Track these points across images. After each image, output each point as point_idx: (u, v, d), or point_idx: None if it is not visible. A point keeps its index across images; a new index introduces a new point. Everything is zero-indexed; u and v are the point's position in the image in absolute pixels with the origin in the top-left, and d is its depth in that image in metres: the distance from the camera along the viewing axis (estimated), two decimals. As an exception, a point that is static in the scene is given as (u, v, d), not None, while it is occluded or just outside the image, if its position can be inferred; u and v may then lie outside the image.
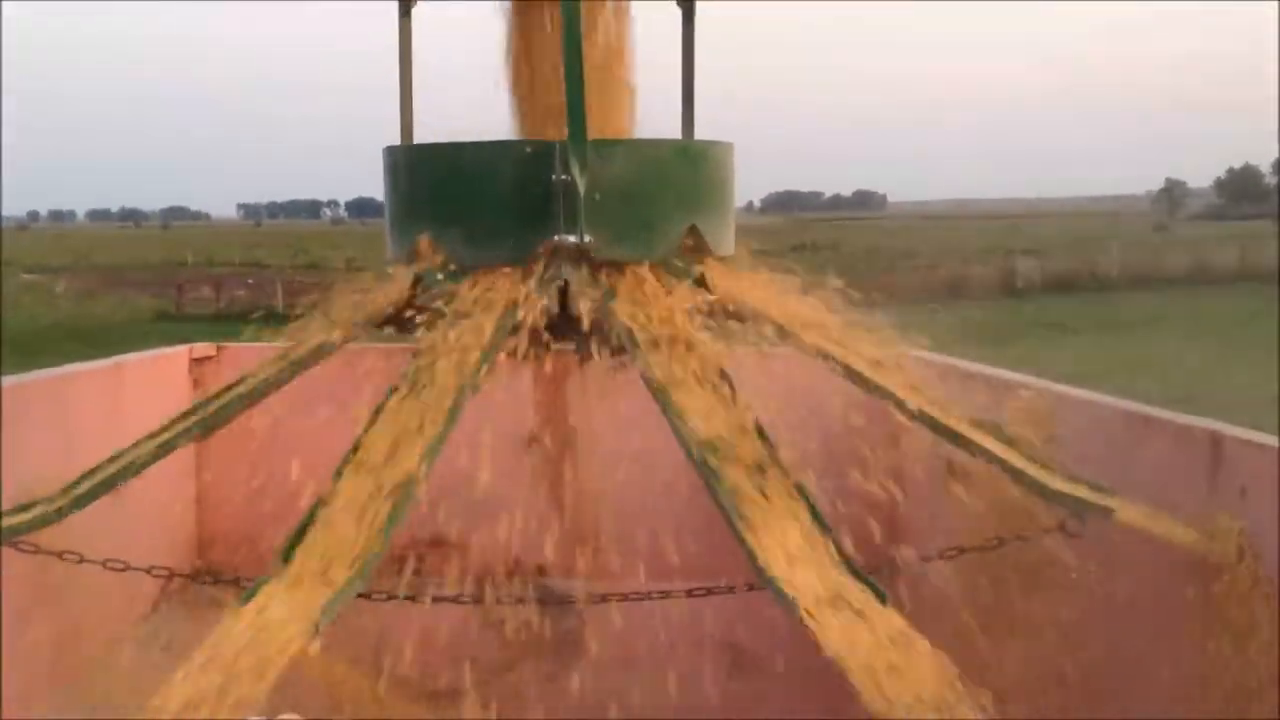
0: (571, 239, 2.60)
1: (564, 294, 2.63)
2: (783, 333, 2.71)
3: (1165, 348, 20.12)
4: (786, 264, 2.94)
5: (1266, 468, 2.51)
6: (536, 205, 2.61)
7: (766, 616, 2.32)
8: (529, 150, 2.68)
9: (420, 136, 3.14)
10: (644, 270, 2.71)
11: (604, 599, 3.19)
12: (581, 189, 2.56)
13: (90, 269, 52.23)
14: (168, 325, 27.62)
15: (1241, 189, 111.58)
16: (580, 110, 2.56)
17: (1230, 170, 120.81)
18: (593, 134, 2.60)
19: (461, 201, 2.74)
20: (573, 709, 4.05)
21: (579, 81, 2.57)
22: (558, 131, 2.67)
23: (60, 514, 2.82)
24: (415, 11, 3.12)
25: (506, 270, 2.67)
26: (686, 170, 2.83)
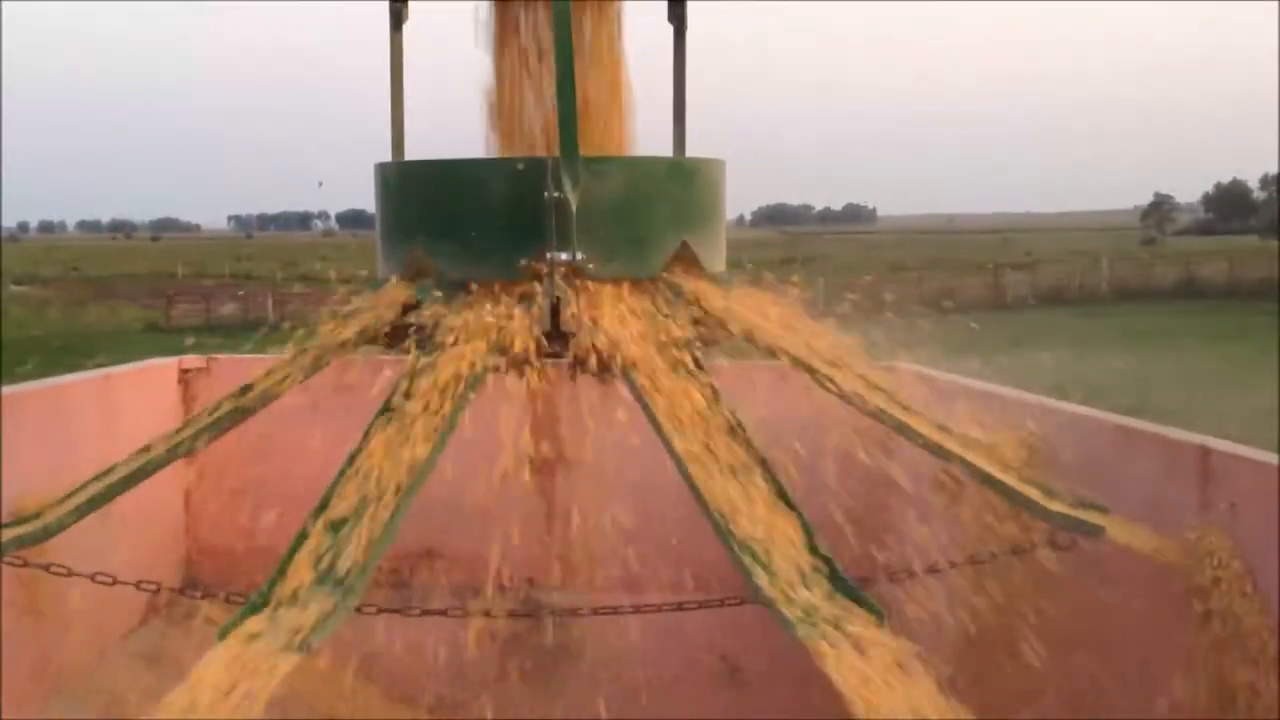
0: (563, 255, 2.60)
1: (555, 310, 2.63)
2: (773, 350, 2.72)
3: (1154, 362, 20.19)
4: (776, 278, 2.94)
5: (1256, 482, 2.52)
6: (528, 222, 2.61)
7: (758, 629, 2.32)
8: (521, 167, 2.68)
9: (412, 152, 3.14)
10: (636, 287, 2.72)
11: (595, 612, 3.18)
12: (573, 206, 2.56)
13: (80, 280, 52.11)
14: (157, 337, 27.56)
15: (1229, 204, 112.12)
16: (572, 127, 2.56)
17: (1218, 185, 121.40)
18: (585, 151, 2.61)
19: (453, 218, 2.74)
20: (561, 721, 4.04)
21: (571, 98, 2.57)
22: (549, 148, 2.67)
23: (48, 532, 2.81)
24: (407, 27, 3.13)
25: (498, 287, 2.67)
26: (678, 187, 2.83)
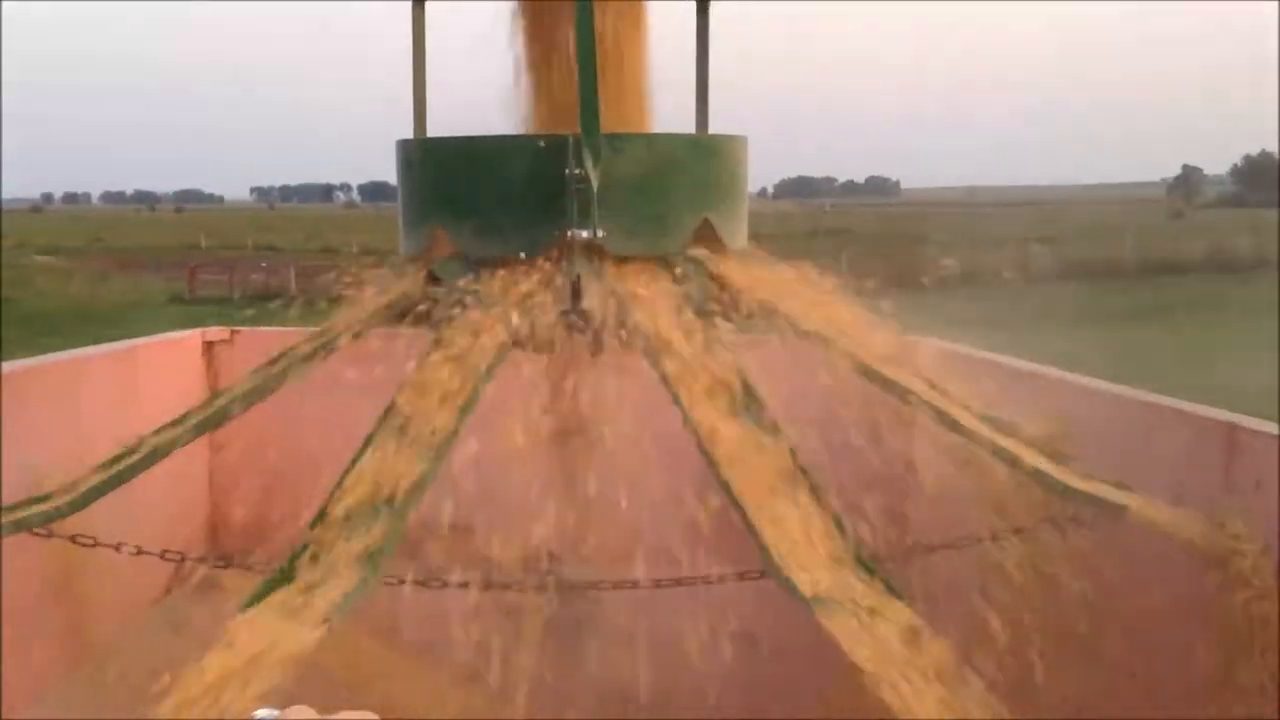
0: (584, 233, 2.60)
1: (576, 287, 2.63)
2: (794, 325, 2.71)
3: (1181, 337, 20.02)
4: (799, 254, 2.93)
5: None
6: (549, 199, 2.61)
7: (778, 602, 2.32)
8: (542, 144, 2.68)
9: (434, 128, 3.13)
10: (657, 264, 2.71)
11: (615, 585, 3.20)
12: (594, 183, 2.56)
13: (104, 251, 52.36)
14: (181, 309, 27.68)
15: (1258, 176, 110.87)
16: (594, 104, 2.55)
17: (1247, 157, 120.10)
18: (606, 127, 2.60)
19: (475, 195, 2.74)
20: (586, 694, 4.06)
21: (592, 75, 2.56)
22: (571, 125, 2.67)
23: (73, 507, 2.83)
24: (429, 2, 3.11)
25: (519, 264, 2.67)
26: (700, 164, 2.82)
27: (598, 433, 3.41)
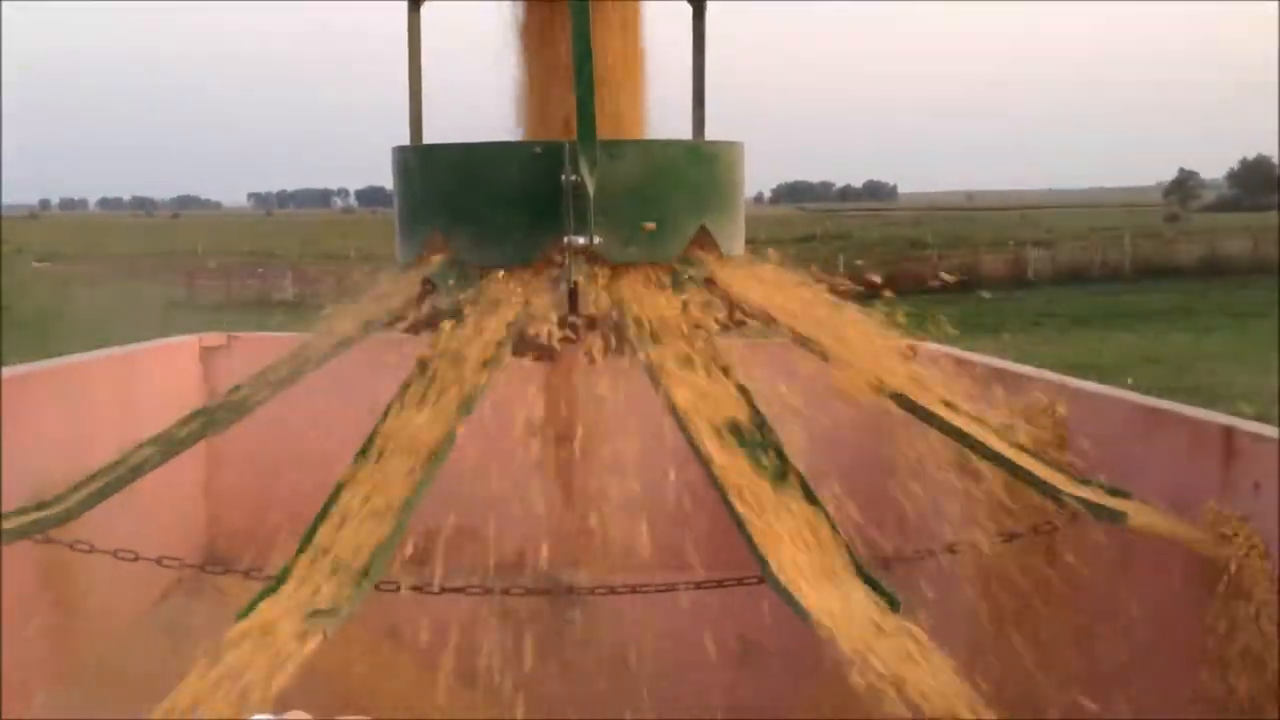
0: (581, 239, 2.60)
1: (574, 294, 2.62)
2: (790, 332, 2.71)
3: (1177, 341, 20.03)
4: (796, 260, 2.93)
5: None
6: (546, 206, 2.61)
7: (776, 609, 2.32)
8: (538, 150, 2.68)
9: (430, 135, 3.13)
10: (653, 271, 2.71)
11: (613, 591, 3.20)
12: (591, 189, 2.56)
13: (101, 258, 52.31)
14: (178, 314, 27.64)
15: (1254, 180, 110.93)
16: (590, 110, 2.55)
17: (1243, 161, 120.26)
18: (602, 134, 2.60)
19: (471, 202, 2.74)
20: (579, 699, 4.06)
21: (589, 81, 2.56)
22: (567, 132, 2.67)
23: (70, 514, 2.83)
24: (425, 8, 3.11)
25: (516, 271, 2.67)
26: (697, 170, 2.82)
27: (594, 438, 3.41)
